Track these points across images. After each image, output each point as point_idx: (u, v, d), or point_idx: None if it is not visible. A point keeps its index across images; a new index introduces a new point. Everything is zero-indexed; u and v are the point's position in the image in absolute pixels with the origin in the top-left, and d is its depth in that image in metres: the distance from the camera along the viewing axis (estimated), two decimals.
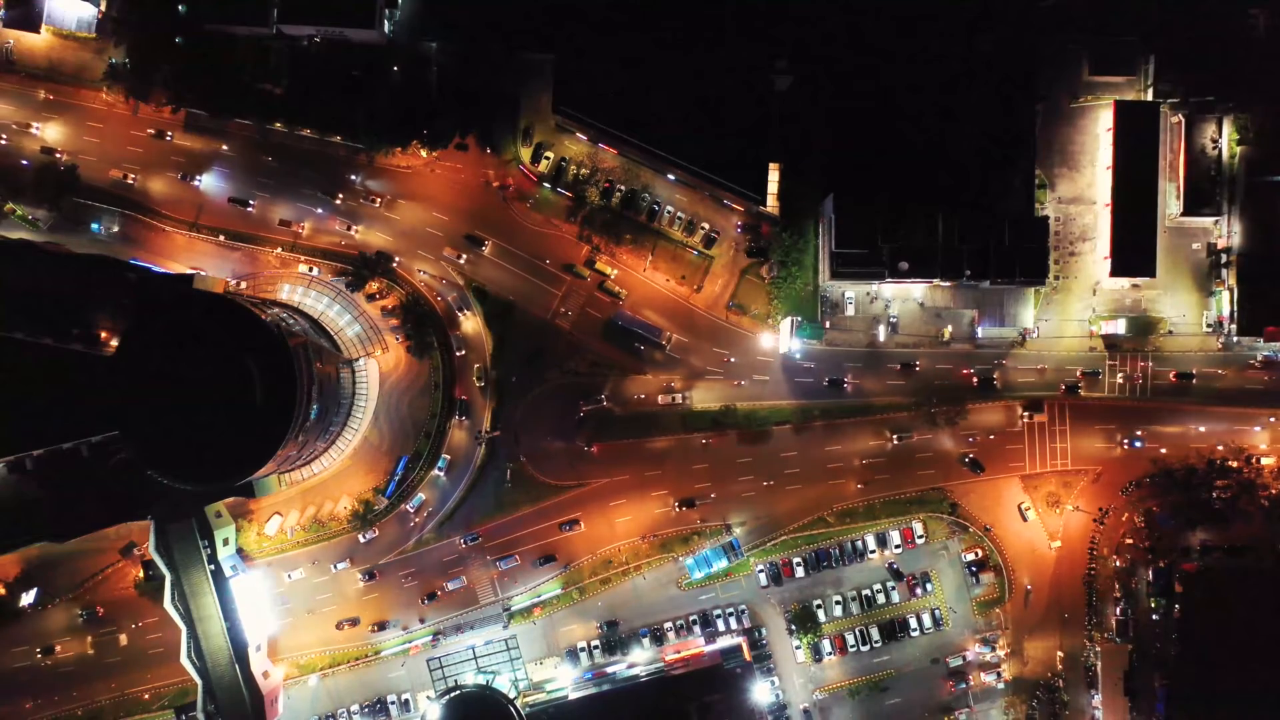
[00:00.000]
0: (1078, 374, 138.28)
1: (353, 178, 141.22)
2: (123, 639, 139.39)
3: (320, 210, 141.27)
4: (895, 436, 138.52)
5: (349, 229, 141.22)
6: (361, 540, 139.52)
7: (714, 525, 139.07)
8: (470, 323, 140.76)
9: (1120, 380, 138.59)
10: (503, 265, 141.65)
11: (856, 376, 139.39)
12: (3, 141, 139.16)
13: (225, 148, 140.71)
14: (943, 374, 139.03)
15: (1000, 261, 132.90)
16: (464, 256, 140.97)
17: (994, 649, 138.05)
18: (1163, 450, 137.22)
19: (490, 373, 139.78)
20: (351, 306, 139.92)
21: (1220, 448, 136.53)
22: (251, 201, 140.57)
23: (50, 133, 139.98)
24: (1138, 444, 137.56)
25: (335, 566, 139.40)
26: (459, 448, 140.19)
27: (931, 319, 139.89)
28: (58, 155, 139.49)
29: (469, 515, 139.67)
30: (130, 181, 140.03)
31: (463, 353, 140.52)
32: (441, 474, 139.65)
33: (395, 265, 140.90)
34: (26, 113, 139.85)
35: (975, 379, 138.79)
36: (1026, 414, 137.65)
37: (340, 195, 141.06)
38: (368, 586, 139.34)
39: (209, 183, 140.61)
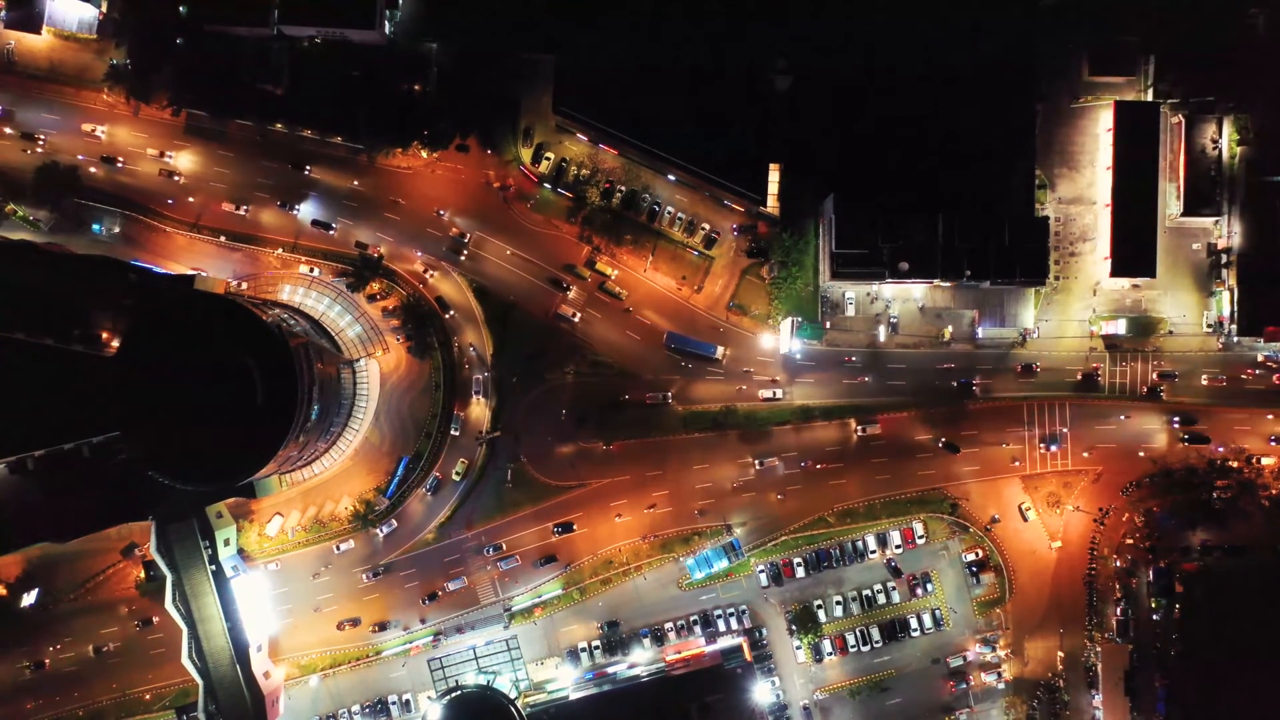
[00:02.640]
0: (1154, 377, 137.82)
1: (440, 212, 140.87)
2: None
3: (420, 253, 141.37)
4: (757, 461, 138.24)
5: (425, 272, 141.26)
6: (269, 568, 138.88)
7: (714, 525, 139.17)
8: (478, 408, 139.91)
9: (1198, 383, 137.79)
10: (503, 265, 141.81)
11: (986, 378, 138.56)
12: (120, 164, 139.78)
13: (356, 183, 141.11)
14: (1069, 374, 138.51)
15: (1000, 262, 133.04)
16: (576, 316, 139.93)
17: (994, 649, 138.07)
18: (1192, 456, 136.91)
19: (475, 469, 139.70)
20: (352, 307, 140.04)
21: (1220, 448, 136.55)
22: (334, 225, 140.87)
23: (182, 161, 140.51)
24: (1054, 447, 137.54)
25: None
26: (412, 515, 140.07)
27: (932, 319, 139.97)
28: (176, 178, 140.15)
29: (469, 515, 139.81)
30: (243, 213, 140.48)
31: (458, 433, 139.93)
32: (381, 533, 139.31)
33: (450, 317, 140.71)
34: (160, 141, 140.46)
35: (1080, 375, 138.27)
36: (860, 428, 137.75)
37: (464, 255, 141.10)
38: (370, 586, 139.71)
39: (306, 210, 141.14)
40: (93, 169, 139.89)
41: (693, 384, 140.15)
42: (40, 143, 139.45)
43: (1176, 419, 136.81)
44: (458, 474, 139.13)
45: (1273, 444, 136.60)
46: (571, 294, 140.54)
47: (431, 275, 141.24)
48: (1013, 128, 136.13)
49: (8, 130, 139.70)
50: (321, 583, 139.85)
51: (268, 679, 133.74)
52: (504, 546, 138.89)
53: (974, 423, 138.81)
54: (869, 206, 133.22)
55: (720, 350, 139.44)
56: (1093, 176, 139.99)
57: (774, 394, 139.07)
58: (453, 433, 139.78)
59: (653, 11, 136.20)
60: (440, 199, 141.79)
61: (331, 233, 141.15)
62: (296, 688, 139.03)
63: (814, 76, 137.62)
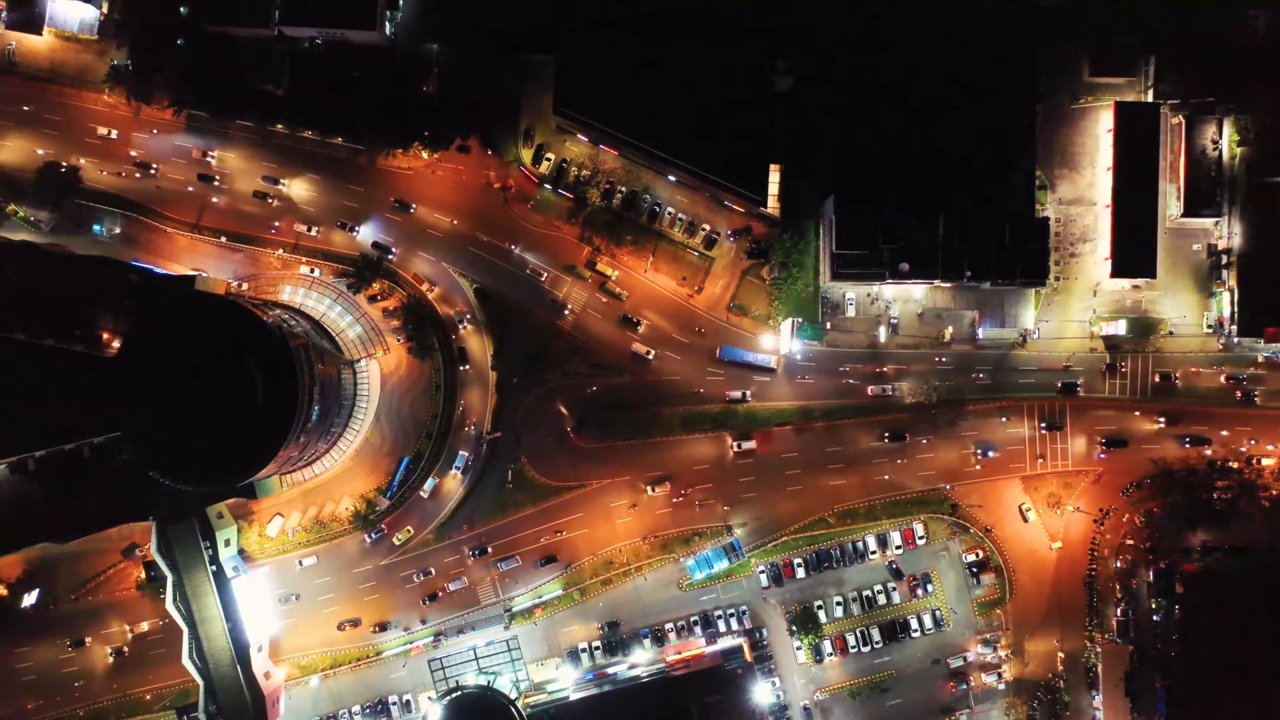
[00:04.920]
0: (1222, 380, 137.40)
1: (512, 247, 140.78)
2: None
3: (465, 312, 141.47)
4: (649, 488, 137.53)
5: (459, 323, 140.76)
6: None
7: (715, 526, 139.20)
8: (453, 482, 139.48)
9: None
10: (504, 266, 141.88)
11: (1089, 380, 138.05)
12: (216, 183, 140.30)
13: (454, 221, 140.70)
14: (1070, 374, 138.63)
15: (1001, 262, 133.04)
16: (651, 354, 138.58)
17: (996, 649, 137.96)
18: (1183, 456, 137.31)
19: (418, 539, 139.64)
20: (353, 308, 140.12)
21: (1220, 448, 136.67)
22: (393, 250, 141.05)
23: (296, 189, 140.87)
24: (991, 453, 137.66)
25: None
26: (345, 552, 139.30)
27: (932, 320, 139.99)
28: (270, 200, 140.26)
29: (470, 516, 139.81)
30: (314, 234, 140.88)
31: (426, 495, 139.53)
32: (300, 565, 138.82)
33: (464, 370, 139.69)
34: (273, 167, 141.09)
35: (1156, 378, 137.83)
36: (736, 444, 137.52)
37: (569, 314, 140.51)
38: (371, 587, 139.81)
39: (365, 232, 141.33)
40: (214, 199, 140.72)
41: (771, 386, 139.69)
42: (153, 171, 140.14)
43: (1044, 425, 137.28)
44: (399, 540, 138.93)
45: (1187, 445, 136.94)
46: (642, 329, 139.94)
47: (465, 327, 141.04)
48: (1013, 128, 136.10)
49: (134, 153, 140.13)
50: (322, 583, 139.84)
51: (268, 679, 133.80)
52: (432, 571, 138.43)
53: (973, 423, 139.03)
54: (869, 207, 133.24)
55: (774, 359, 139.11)
56: (1093, 177, 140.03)
57: (884, 390, 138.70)
58: (421, 493, 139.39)
59: (653, 12, 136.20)
60: (442, 200, 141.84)
61: (391, 258, 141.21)
62: (297, 688, 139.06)
63: (814, 77, 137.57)
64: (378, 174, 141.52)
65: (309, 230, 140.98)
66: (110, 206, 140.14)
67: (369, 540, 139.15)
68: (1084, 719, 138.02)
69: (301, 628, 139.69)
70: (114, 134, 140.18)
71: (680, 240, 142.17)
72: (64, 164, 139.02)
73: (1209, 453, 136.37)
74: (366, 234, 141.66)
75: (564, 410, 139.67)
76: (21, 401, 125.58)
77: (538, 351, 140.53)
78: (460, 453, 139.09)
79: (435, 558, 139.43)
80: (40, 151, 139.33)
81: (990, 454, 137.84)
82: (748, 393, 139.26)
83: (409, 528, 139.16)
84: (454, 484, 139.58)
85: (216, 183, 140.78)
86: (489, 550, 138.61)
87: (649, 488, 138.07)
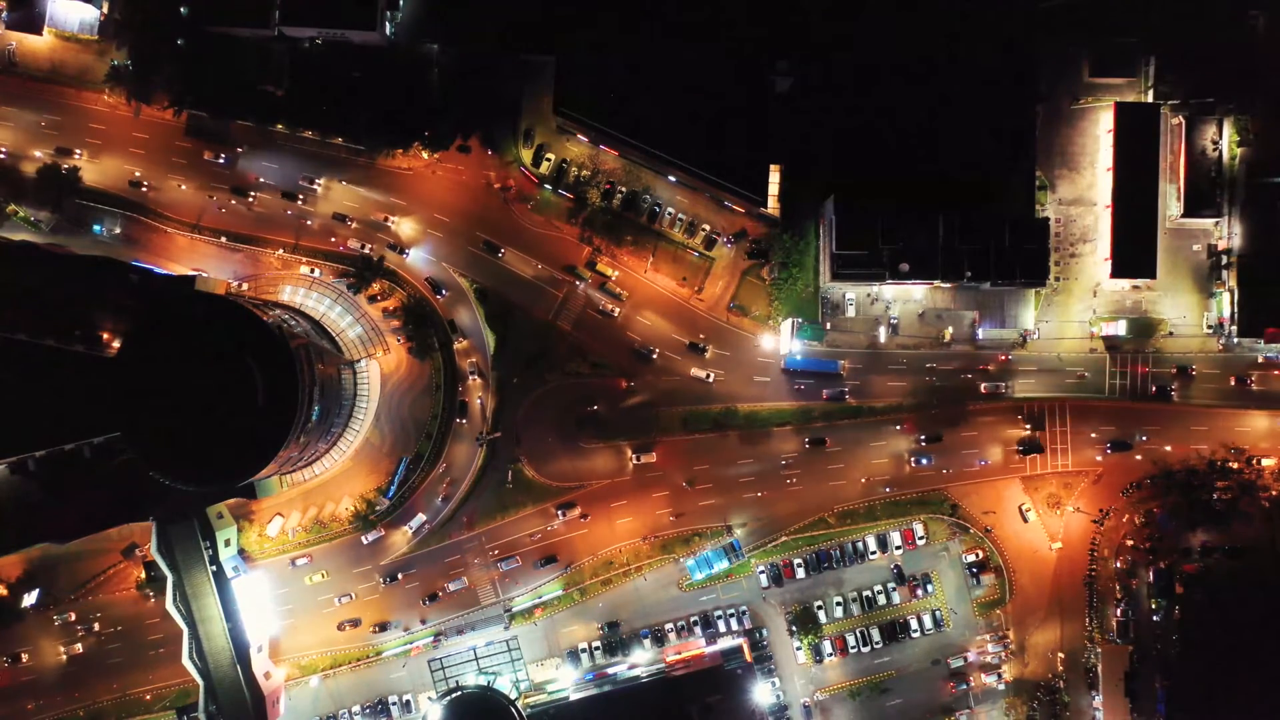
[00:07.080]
0: None
1: (578, 284, 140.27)
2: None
3: (476, 374, 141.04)
4: (560, 510, 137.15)
5: (471, 376, 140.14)
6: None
7: (715, 526, 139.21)
8: (400, 537, 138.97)
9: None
10: (503, 266, 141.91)
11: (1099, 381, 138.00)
12: (302, 204, 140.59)
13: (540, 266, 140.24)
14: (1070, 374, 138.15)
15: (1001, 263, 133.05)
16: (710, 376, 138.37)
17: (1005, 647, 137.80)
18: (1167, 448, 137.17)
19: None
20: (353, 308, 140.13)
21: (1219, 448, 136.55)
22: (444, 290, 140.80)
23: (404, 228, 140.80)
24: (924, 461, 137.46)
25: None
26: (274, 567, 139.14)
27: (932, 320, 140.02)
28: (350, 222, 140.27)
29: (470, 516, 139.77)
30: (367, 250, 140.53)
31: (368, 541, 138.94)
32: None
33: (460, 423, 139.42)
34: (381, 207, 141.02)
35: (1233, 381, 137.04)
36: (635, 456, 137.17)
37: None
38: (370, 587, 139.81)
39: (415, 256, 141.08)
40: (309, 223, 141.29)
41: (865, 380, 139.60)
42: (252, 200, 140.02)
43: (923, 438, 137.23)
44: (310, 581, 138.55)
45: (1109, 451, 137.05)
46: (708, 354, 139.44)
47: (474, 379, 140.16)
48: (1013, 128, 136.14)
49: (260, 179, 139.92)
50: (321, 584, 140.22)
51: (268, 679, 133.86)
52: (352, 593, 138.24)
53: (972, 424, 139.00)
54: (869, 207, 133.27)
55: (842, 364, 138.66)
56: (1093, 178, 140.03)
57: (997, 387, 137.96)
58: (364, 539, 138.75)
59: (653, 13, 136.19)
60: (441, 200, 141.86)
61: (441, 297, 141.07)
62: (297, 688, 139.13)
63: (814, 78, 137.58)
64: (378, 174, 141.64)
65: (362, 248, 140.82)
66: (110, 207, 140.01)
67: (292, 563, 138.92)
68: (1084, 719, 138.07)
69: (301, 628, 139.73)
70: (223, 158, 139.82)
71: (680, 240, 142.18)
72: (139, 179, 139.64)
73: (1204, 449, 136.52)
74: (416, 257, 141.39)
75: (598, 405, 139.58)
76: (22, 402, 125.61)
77: (538, 352, 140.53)
78: (419, 514, 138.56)
79: (459, 548, 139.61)
80: (137, 173, 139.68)
81: (924, 461, 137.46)
82: (845, 391, 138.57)
83: (324, 571, 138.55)
84: (401, 540, 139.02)
85: (300, 201, 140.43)
86: (399, 578, 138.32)
87: (559, 512, 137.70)
